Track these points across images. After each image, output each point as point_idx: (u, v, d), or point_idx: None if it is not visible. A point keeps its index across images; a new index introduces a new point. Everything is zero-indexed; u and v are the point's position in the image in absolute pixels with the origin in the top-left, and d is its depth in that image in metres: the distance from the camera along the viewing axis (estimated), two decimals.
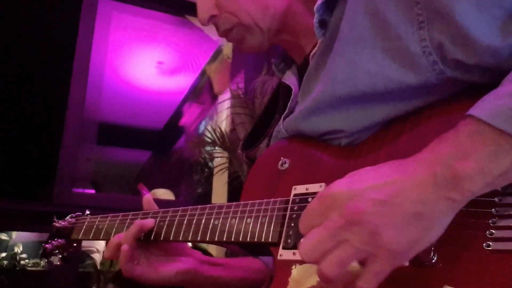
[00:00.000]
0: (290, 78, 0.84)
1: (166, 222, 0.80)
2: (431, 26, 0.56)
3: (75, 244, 1.00)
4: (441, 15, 0.55)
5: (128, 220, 0.86)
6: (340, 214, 0.46)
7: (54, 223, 1.02)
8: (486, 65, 0.54)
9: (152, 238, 0.81)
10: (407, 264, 0.49)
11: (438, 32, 0.56)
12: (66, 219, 1.01)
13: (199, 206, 0.77)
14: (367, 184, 0.47)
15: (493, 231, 0.49)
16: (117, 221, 0.88)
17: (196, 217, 0.75)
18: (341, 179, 0.50)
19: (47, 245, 1.01)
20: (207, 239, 0.72)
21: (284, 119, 0.78)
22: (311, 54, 0.75)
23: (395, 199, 0.46)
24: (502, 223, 0.49)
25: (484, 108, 0.47)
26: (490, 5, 0.53)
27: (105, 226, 0.89)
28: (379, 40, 0.61)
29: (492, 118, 0.45)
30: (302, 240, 0.49)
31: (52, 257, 1.01)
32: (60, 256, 1.01)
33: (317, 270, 0.48)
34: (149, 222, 0.80)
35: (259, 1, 0.78)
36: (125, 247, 0.78)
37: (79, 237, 0.94)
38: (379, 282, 0.47)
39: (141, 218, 0.84)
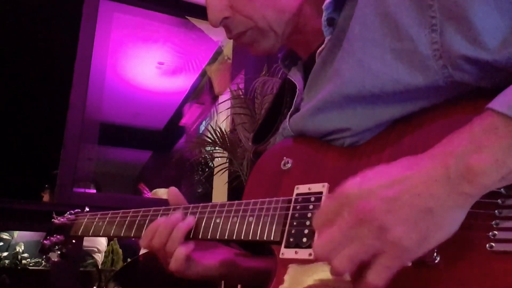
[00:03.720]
0: (295, 75, 0.84)
1: None
2: (444, 29, 0.56)
3: (74, 241, 0.99)
4: (456, 17, 0.55)
5: (128, 218, 0.85)
6: (350, 213, 0.47)
7: (53, 220, 1.02)
8: (500, 67, 0.53)
9: None
10: (409, 264, 0.49)
11: (452, 35, 0.56)
12: (65, 215, 1.01)
13: (201, 205, 0.77)
14: (379, 183, 0.48)
15: (496, 233, 0.49)
16: (118, 218, 0.87)
17: (197, 215, 0.75)
18: (354, 178, 0.50)
19: (45, 241, 1.00)
20: (209, 237, 0.72)
21: (290, 116, 0.78)
22: (318, 51, 0.75)
23: (405, 195, 0.46)
24: (505, 224, 0.49)
25: (502, 101, 0.47)
26: (509, 6, 0.53)
27: (105, 223, 0.89)
28: (389, 41, 0.61)
29: (508, 109, 0.45)
30: (315, 239, 0.50)
31: (50, 253, 1.00)
32: (59, 252, 1.00)
33: (330, 265, 0.49)
34: (191, 221, 0.75)
35: (275, 5, 0.76)
36: (181, 253, 0.74)
37: (79, 234, 0.94)
38: (387, 277, 0.47)
39: (141, 216, 0.83)
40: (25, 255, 3.20)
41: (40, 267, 3.08)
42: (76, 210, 1.00)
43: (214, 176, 3.38)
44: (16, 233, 3.42)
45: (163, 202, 0.84)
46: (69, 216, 1.00)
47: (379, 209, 0.46)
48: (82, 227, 0.94)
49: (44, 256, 1.03)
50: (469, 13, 0.54)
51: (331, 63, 0.70)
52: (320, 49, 0.75)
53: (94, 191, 3.42)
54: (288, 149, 0.75)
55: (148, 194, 4.28)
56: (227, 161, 2.69)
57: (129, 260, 3.48)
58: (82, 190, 2.78)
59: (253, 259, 0.88)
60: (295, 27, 0.80)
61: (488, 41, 0.53)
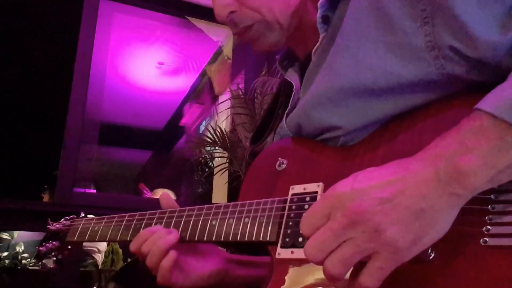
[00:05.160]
0: (292, 75, 0.85)
1: (163, 224, 0.79)
2: (435, 22, 0.58)
3: (69, 247, 0.99)
4: (442, 10, 0.57)
5: (124, 222, 0.85)
6: (343, 214, 0.47)
7: (48, 226, 1.01)
8: (486, 60, 0.55)
9: None
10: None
11: (441, 27, 0.57)
12: (60, 221, 1.00)
13: (197, 207, 0.77)
14: (371, 184, 0.48)
15: (490, 227, 0.50)
16: (113, 222, 0.87)
17: (193, 217, 0.75)
18: (345, 179, 0.50)
19: (41, 248, 1.00)
20: (205, 239, 0.72)
21: (287, 115, 0.79)
22: (313, 49, 0.76)
23: (398, 197, 0.46)
24: (499, 219, 0.50)
25: (490, 101, 0.47)
26: (490, 1, 0.54)
27: (101, 228, 0.88)
28: (382, 35, 0.62)
29: (496, 109, 0.45)
30: (308, 241, 0.50)
31: (46, 259, 1.00)
32: (55, 258, 1.00)
33: (322, 269, 0.49)
34: (174, 238, 0.75)
35: None
36: (167, 263, 0.74)
37: (74, 239, 0.94)
38: (381, 279, 0.47)
39: (137, 220, 0.83)
40: (25, 255, 3.21)
41: (40, 267, 3.08)
42: (72, 216, 1.00)
43: (214, 176, 3.38)
44: (16, 233, 3.43)
45: None
46: (64, 222, 0.99)
47: (373, 210, 0.46)
48: (77, 233, 0.93)
49: (40, 263, 1.02)
50: (453, 5, 0.56)
51: (325, 59, 0.71)
52: (315, 47, 0.75)
53: (94, 191, 3.42)
54: (283, 149, 0.75)
55: (148, 194, 4.28)
56: (227, 161, 2.70)
57: (129, 260, 3.48)
58: (82, 190, 2.78)
59: (246, 267, 0.88)
60: (299, 22, 0.80)
61: (472, 32, 0.54)
